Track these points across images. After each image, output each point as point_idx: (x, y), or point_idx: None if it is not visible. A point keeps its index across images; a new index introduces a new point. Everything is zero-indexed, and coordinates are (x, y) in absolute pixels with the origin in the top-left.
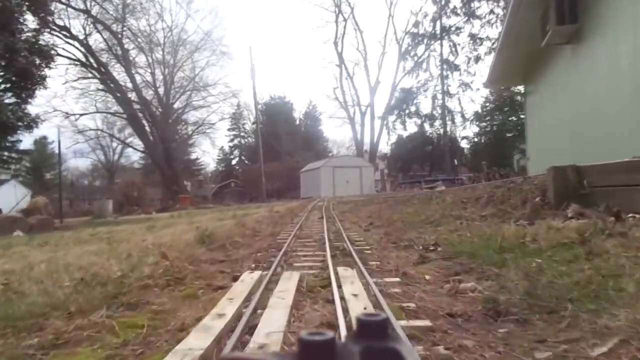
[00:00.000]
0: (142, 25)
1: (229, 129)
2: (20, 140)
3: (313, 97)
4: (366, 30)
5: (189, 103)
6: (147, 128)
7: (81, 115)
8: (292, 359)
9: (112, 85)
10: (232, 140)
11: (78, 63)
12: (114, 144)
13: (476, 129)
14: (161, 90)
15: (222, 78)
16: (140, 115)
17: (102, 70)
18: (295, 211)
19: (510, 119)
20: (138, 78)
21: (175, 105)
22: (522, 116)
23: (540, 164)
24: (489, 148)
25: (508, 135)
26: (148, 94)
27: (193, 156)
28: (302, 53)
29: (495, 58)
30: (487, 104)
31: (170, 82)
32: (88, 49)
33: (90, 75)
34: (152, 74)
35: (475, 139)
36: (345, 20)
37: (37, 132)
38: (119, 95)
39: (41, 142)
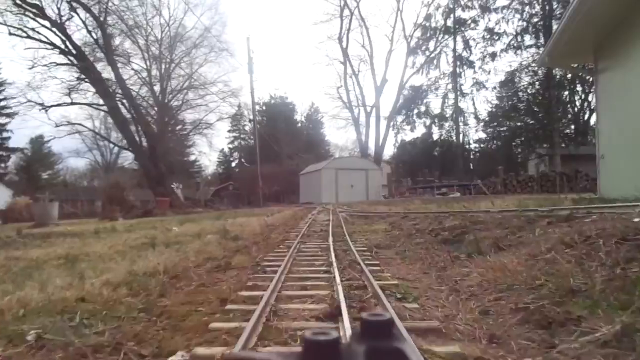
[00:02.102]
0: (138, 19)
1: (229, 130)
2: (9, 137)
3: (315, 99)
4: (372, 27)
5: (185, 102)
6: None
7: (51, 106)
8: (296, 359)
9: (93, 74)
10: (232, 142)
11: (50, 47)
12: (112, 144)
13: (483, 135)
14: (156, 88)
15: (221, 76)
16: (124, 109)
17: (80, 57)
18: (273, 240)
19: (518, 124)
20: (132, 74)
21: (172, 104)
22: (530, 121)
23: (630, 165)
24: (498, 152)
25: (517, 140)
26: (142, 91)
27: (192, 158)
28: (305, 52)
29: (565, 23)
30: (494, 109)
31: (167, 80)
32: (62, 31)
33: (68, 62)
34: (148, 70)
35: (482, 145)
36: (351, 13)
37: (34, 131)
38: (99, 86)
39: (37, 141)
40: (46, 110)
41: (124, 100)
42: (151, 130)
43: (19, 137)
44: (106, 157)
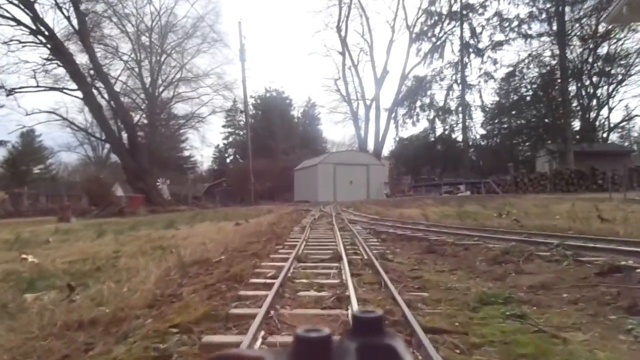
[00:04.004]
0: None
1: (223, 126)
2: None
3: (312, 94)
4: (373, 13)
5: (176, 94)
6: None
7: (14, 90)
8: (288, 356)
9: (64, 56)
10: (226, 138)
11: (15, 23)
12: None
13: (488, 129)
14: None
15: (215, 68)
16: (103, 97)
17: (51, 36)
18: None
19: (523, 121)
20: (120, 65)
21: (163, 96)
22: (534, 117)
23: None
24: (503, 149)
25: (522, 136)
26: (128, 79)
27: (185, 153)
28: (301, 44)
29: None
30: (498, 103)
31: (158, 71)
32: (29, 7)
33: (36, 42)
34: (137, 61)
35: (485, 141)
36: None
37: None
38: (72, 69)
39: (28, 135)
40: (8, 95)
41: (105, 90)
42: (130, 120)
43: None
44: (98, 151)
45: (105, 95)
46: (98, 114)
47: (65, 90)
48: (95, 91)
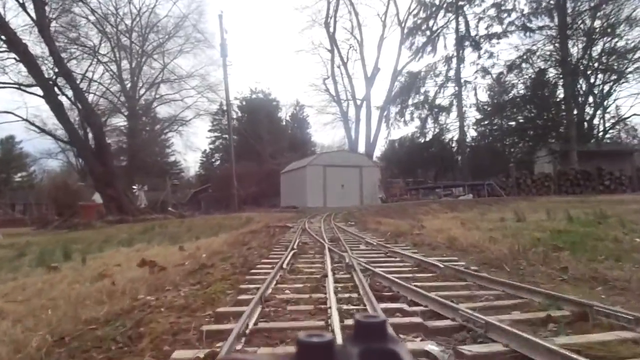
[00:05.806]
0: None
1: (209, 130)
2: None
3: (300, 97)
4: (363, 6)
5: (158, 97)
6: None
7: None
8: None
9: (18, 47)
10: (213, 142)
11: None
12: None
13: (482, 129)
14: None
15: (198, 70)
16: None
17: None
18: None
19: (520, 119)
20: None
21: (144, 98)
22: (530, 115)
23: None
24: (501, 149)
25: (517, 135)
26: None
27: (171, 159)
28: (288, 45)
29: None
30: (494, 101)
31: (138, 72)
32: None
33: None
34: (117, 62)
35: (480, 141)
36: None
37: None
38: (27, 61)
39: (8, 142)
40: None
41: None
42: (96, 119)
43: None
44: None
45: (69, 93)
46: (59, 112)
47: (22, 88)
48: (59, 90)
